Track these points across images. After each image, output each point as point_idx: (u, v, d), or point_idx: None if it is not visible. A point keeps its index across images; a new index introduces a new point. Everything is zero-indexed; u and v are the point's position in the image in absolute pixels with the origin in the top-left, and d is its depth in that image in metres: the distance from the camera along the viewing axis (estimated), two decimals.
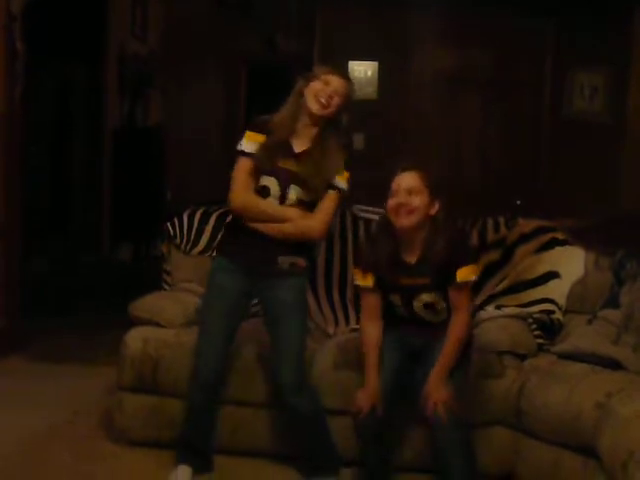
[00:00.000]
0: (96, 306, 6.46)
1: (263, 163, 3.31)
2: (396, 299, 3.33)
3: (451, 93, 5.95)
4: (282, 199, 3.33)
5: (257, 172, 3.34)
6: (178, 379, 3.73)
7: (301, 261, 3.42)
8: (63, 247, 7.49)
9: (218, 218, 4.50)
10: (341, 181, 3.39)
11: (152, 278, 3.78)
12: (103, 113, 8.09)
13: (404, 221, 3.18)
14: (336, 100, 3.31)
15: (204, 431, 3.59)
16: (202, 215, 4.51)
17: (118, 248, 8.19)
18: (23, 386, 4.71)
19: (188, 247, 4.45)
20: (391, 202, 3.20)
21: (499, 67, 5.88)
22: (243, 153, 3.34)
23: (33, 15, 5.30)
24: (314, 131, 3.35)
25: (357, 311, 4.25)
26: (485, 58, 5.90)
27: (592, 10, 5.64)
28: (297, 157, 3.34)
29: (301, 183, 3.31)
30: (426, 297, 3.27)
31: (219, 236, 3.55)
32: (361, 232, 4.41)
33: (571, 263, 4.10)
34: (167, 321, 3.93)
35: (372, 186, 5.48)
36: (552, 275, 4.00)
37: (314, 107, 3.29)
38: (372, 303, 3.38)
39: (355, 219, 4.48)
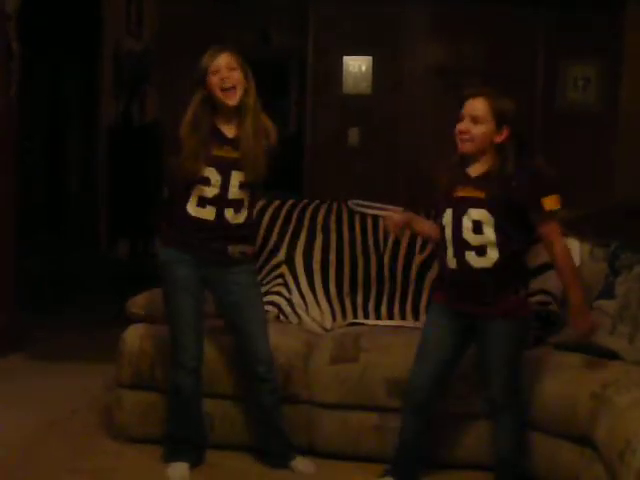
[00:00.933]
0: (93, 303, 6.48)
1: (191, 164, 3.41)
2: (447, 217, 3.27)
3: (445, 86, 5.96)
4: (224, 186, 3.43)
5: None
6: None
7: (249, 248, 3.60)
8: (59, 244, 7.50)
9: None
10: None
11: (149, 275, 3.79)
12: (98, 111, 8.09)
13: (464, 147, 3.24)
14: (235, 75, 3.40)
15: (197, 420, 3.64)
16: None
17: (115, 245, 8.21)
18: (22, 383, 4.73)
19: None
20: (457, 127, 3.26)
21: (491, 60, 5.89)
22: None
23: (28, 13, 5.31)
24: (237, 116, 3.45)
25: (354, 305, 4.27)
26: (477, 51, 5.91)
27: (584, 1, 5.65)
28: (231, 143, 3.44)
29: (242, 167, 3.42)
30: (475, 214, 3.19)
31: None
32: (357, 227, 4.42)
33: None
34: (164, 318, 3.94)
35: (368, 180, 5.54)
36: (548, 267, 4.00)
37: (225, 98, 3.39)
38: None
39: (351, 213, 4.49)
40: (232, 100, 3.40)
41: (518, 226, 3.22)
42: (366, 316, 4.25)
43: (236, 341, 3.65)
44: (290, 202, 4.58)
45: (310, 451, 3.84)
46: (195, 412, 3.62)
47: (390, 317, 4.26)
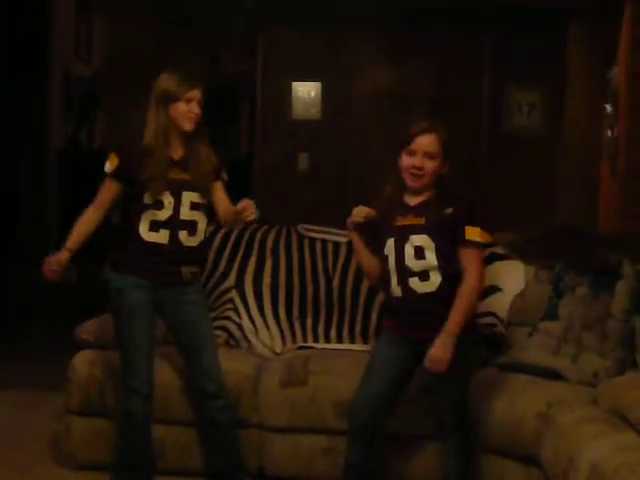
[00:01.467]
0: (43, 330, 6.41)
1: (159, 183, 3.42)
2: (389, 246, 3.31)
3: (393, 110, 6.04)
4: (176, 208, 3.46)
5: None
6: None
7: (198, 270, 3.66)
8: (9, 269, 7.42)
9: None
10: (223, 172, 3.66)
11: (98, 301, 3.79)
12: (48, 134, 8.05)
13: (416, 184, 3.30)
14: (199, 108, 3.48)
15: (147, 447, 3.61)
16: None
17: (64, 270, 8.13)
18: None
19: None
20: (407, 162, 3.29)
21: (438, 84, 5.99)
22: (107, 175, 3.50)
23: None
24: (184, 138, 3.50)
25: (303, 329, 4.29)
26: (424, 75, 6.01)
27: (527, 27, 5.77)
28: (179, 164, 3.49)
29: (193, 188, 3.48)
30: (417, 240, 3.25)
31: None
32: (306, 251, 4.46)
33: (511, 277, 4.18)
34: (114, 344, 3.93)
35: (317, 205, 5.58)
36: (493, 289, 4.08)
37: (187, 126, 3.45)
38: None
39: (300, 238, 4.52)
40: (191, 126, 3.46)
41: (454, 251, 3.28)
42: (316, 339, 4.28)
43: (187, 360, 3.65)
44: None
45: (260, 475, 3.85)
46: (146, 439, 3.60)
47: (339, 340, 4.29)
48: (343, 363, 3.90)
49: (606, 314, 3.68)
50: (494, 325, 4.07)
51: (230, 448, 3.66)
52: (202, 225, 3.56)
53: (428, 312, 3.28)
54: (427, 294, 3.27)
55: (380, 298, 4.32)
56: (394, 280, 3.32)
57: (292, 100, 6.05)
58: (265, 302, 4.34)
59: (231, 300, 4.35)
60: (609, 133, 4.82)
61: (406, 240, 3.28)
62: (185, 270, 3.51)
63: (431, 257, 3.25)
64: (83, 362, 3.89)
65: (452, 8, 5.69)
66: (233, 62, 8.42)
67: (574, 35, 5.67)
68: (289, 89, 6.05)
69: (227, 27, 7.78)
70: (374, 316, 4.31)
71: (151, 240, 3.46)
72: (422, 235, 3.26)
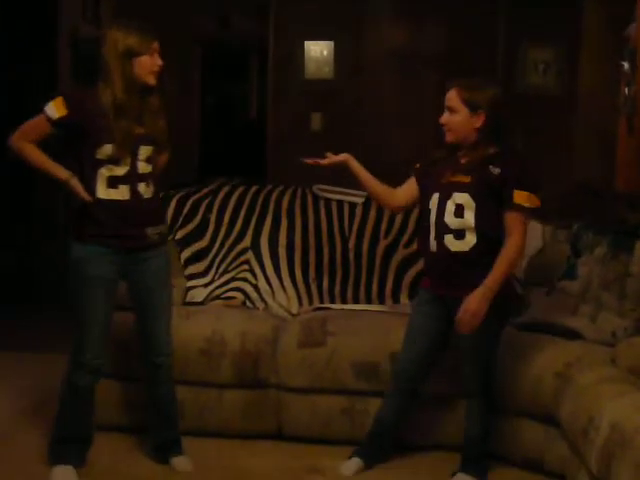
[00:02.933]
0: (59, 295, 6.41)
1: (129, 141, 3.30)
2: (434, 200, 3.34)
3: (406, 69, 5.97)
4: (134, 162, 3.33)
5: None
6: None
7: (165, 228, 3.55)
8: (26, 237, 7.42)
9: (178, 201, 4.51)
10: None
11: None
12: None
13: (447, 137, 3.36)
14: (160, 60, 3.38)
15: (88, 419, 3.53)
16: (163, 199, 4.48)
17: None
18: None
19: None
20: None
21: (452, 42, 5.91)
22: (49, 119, 3.28)
23: None
24: (141, 91, 3.36)
25: (320, 290, 4.29)
26: (438, 35, 5.93)
27: None
28: (135, 119, 3.34)
29: (149, 141, 3.37)
30: (459, 198, 3.27)
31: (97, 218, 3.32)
32: (322, 212, 4.44)
33: (529, 236, 4.13)
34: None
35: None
36: None
37: (151, 80, 3.35)
38: (408, 183, 3.55)
39: (316, 198, 4.51)
40: (155, 80, 3.36)
41: (498, 213, 3.27)
42: (332, 300, 4.28)
43: (139, 327, 3.52)
44: (254, 188, 4.59)
45: (278, 436, 3.87)
46: (88, 411, 3.52)
47: (356, 301, 4.29)
48: (360, 324, 3.90)
49: (625, 273, 3.66)
50: None
51: (169, 419, 3.60)
52: (156, 179, 3.45)
53: (458, 272, 3.30)
54: (460, 253, 3.28)
55: (396, 259, 4.33)
56: (432, 235, 3.35)
57: (304, 59, 5.98)
58: (281, 263, 4.34)
59: (247, 261, 4.35)
60: (626, 91, 4.76)
61: (449, 197, 3.30)
62: (151, 231, 3.38)
63: (469, 216, 3.26)
64: None
65: None
66: (242, 22, 8.33)
67: None
68: (301, 48, 5.98)
69: None
70: (390, 276, 4.31)
71: (109, 197, 3.30)
72: (464, 193, 3.28)
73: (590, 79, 5.63)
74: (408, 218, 4.40)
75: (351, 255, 4.34)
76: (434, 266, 3.39)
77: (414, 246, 4.33)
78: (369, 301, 4.29)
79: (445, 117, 3.35)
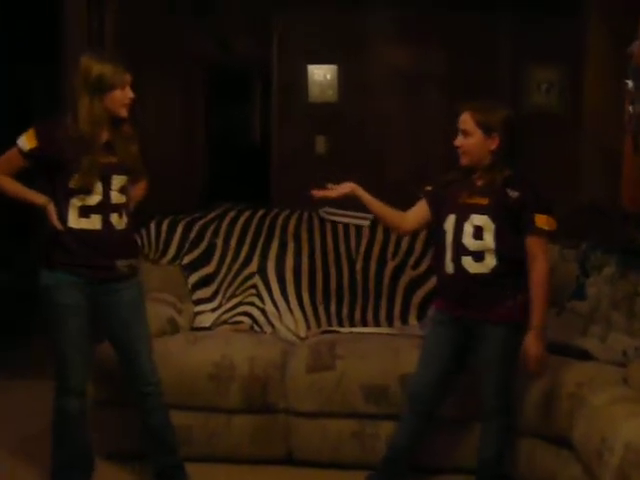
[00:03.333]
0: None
1: (93, 173, 3.28)
2: (450, 222, 3.34)
3: (410, 92, 5.97)
4: (106, 192, 3.31)
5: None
6: None
7: (135, 262, 3.48)
8: (26, 259, 7.42)
9: (185, 227, 4.51)
10: None
11: None
12: None
13: (462, 160, 3.37)
14: (132, 92, 3.36)
15: (84, 445, 3.50)
16: (169, 224, 4.52)
17: None
18: None
19: (157, 256, 4.46)
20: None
21: (456, 64, 5.92)
22: (21, 151, 3.31)
23: None
24: (112, 122, 3.35)
25: (328, 313, 4.28)
26: (442, 56, 5.93)
27: (544, 5, 5.71)
28: (106, 148, 3.33)
29: (123, 171, 3.36)
30: (478, 219, 3.28)
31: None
32: (329, 234, 4.44)
33: None
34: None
35: None
36: None
37: (123, 113, 3.33)
38: (418, 206, 3.54)
39: (322, 222, 4.51)
40: (126, 112, 3.34)
41: (517, 234, 3.28)
42: (340, 323, 4.27)
43: (122, 360, 3.48)
44: (260, 212, 4.60)
45: (288, 460, 3.85)
46: (82, 436, 3.48)
47: (364, 324, 4.28)
48: (369, 346, 3.88)
49: (634, 293, 3.66)
50: None
51: (169, 445, 3.55)
52: (130, 209, 3.44)
53: (477, 293, 3.29)
54: (479, 275, 3.28)
55: (404, 280, 4.31)
56: (448, 256, 3.34)
57: (308, 83, 6.00)
58: (288, 287, 4.33)
59: (254, 285, 4.35)
60: (630, 109, 4.76)
61: (467, 218, 3.31)
62: (120, 264, 3.35)
63: (489, 238, 3.27)
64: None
65: None
66: (245, 46, 8.36)
67: (592, 10, 5.60)
68: (305, 72, 5.99)
69: (240, 11, 7.73)
70: (399, 298, 4.30)
71: (81, 227, 3.29)
72: (483, 215, 3.28)
73: (594, 98, 5.62)
74: (415, 240, 4.39)
75: (359, 277, 4.33)
76: (451, 288, 3.38)
77: (422, 267, 4.32)
78: (377, 323, 4.28)
79: (460, 140, 3.35)
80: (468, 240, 3.29)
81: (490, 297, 3.27)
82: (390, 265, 4.35)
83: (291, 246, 4.41)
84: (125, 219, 3.38)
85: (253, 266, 4.39)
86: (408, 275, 4.33)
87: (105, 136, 3.34)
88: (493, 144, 3.30)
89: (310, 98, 6.00)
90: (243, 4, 7.23)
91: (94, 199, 3.29)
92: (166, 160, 8.34)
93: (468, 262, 3.29)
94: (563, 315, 3.87)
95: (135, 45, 8.37)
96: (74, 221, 3.29)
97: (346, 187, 3.50)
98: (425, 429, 3.51)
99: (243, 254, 4.42)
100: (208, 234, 4.49)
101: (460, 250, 3.31)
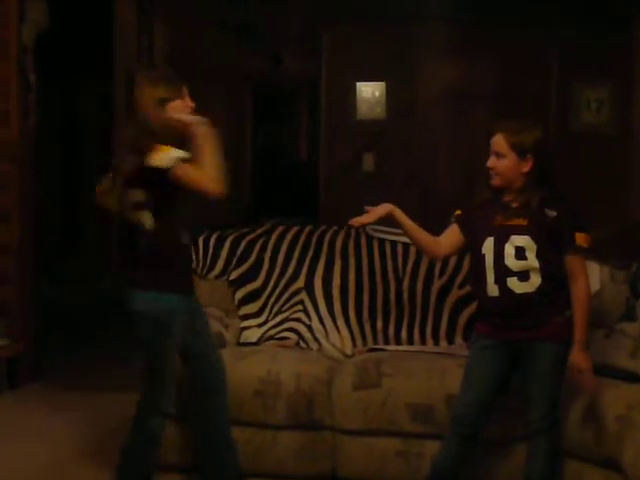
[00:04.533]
0: (112, 334, 6.47)
1: None
2: (488, 245, 3.32)
3: (459, 109, 5.99)
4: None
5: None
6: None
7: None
8: (75, 272, 7.52)
9: (232, 242, 4.53)
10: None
11: None
12: (113, 139, 8.13)
13: (494, 182, 3.36)
14: (191, 101, 3.45)
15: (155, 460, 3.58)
16: (217, 239, 4.54)
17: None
18: (35, 416, 4.73)
19: (204, 271, 4.49)
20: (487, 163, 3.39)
21: (505, 82, 5.91)
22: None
23: (43, 44, 5.36)
24: None
25: (374, 331, 4.27)
26: (491, 74, 5.94)
27: (594, 23, 5.68)
28: None
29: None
30: (519, 240, 3.26)
31: (177, 267, 3.39)
32: (375, 252, 4.43)
33: None
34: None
35: None
36: None
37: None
38: (450, 231, 3.51)
39: (369, 239, 4.50)
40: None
41: (558, 253, 3.28)
42: (386, 341, 4.26)
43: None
44: (308, 228, 4.61)
45: (333, 477, 3.84)
46: (155, 455, 3.55)
47: (410, 342, 4.26)
48: (415, 365, 3.86)
49: None
50: None
51: (232, 447, 3.64)
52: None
53: (525, 313, 3.28)
54: (526, 294, 3.27)
55: (450, 299, 4.29)
56: (490, 279, 3.32)
57: (356, 100, 6.02)
58: (335, 304, 4.33)
59: (301, 302, 4.35)
60: None
61: (507, 240, 3.29)
62: None
63: (532, 258, 3.26)
64: None
65: (518, 4, 5.61)
66: (294, 63, 8.42)
67: None
68: (353, 89, 6.02)
69: (288, 28, 7.80)
70: (445, 317, 4.28)
71: (185, 245, 3.45)
72: (524, 236, 3.27)
73: None
74: (462, 258, 4.36)
75: (405, 295, 4.32)
76: (496, 310, 3.35)
77: (469, 286, 4.29)
78: (423, 342, 4.26)
79: (492, 161, 3.34)
80: (511, 261, 3.27)
81: (538, 316, 3.27)
82: (437, 284, 4.33)
83: (338, 263, 4.41)
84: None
85: (300, 282, 4.40)
86: (455, 294, 4.31)
87: None
88: (527, 166, 3.28)
89: (358, 115, 6.03)
90: (292, 21, 7.30)
91: None
92: None
93: (514, 283, 3.28)
94: (612, 337, 3.81)
95: (184, 61, 8.47)
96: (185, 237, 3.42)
97: (383, 208, 3.47)
98: (468, 452, 3.47)
99: (290, 270, 4.43)
100: (256, 250, 4.51)
101: (503, 272, 3.29)
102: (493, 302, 3.35)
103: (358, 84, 6.02)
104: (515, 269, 3.28)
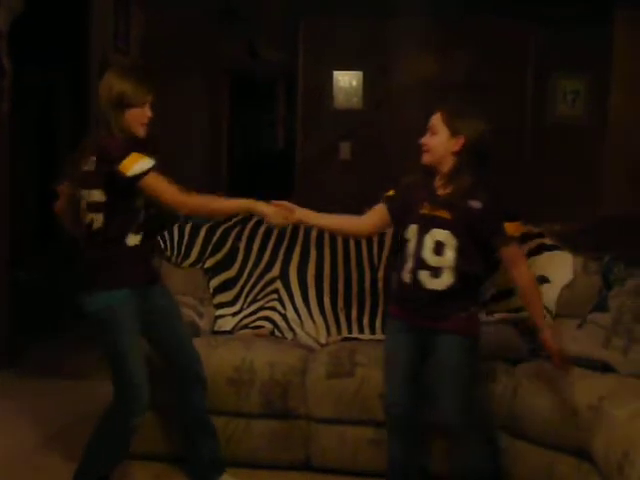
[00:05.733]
0: (88, 321, 6.41)
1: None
2: (412, 232, 3.28)
3: (435, 99, 5.98)
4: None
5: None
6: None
7: None
8: (51, 262, 7.46)
9: (208, 230, 4.52)
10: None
11: None
12: (88, 125, 8.07)
13: (423, 158, 3.32)
14: (151, 111, 3.35)
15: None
16: (192, 227, 4.53)
17: None
18: (11, 401, 4.71)
19: (179, 260, 4.47)
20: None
21: (482, 73, 5.93)
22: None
23: (16, 30, 5.31)
24: None
25: (348, 320, 4.28)
26: (468, 65, 5.95)
27: (572, 15, 5.70)
28: None
29: None
30: (439, 234, 3.22)
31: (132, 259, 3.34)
32: (351, 241, 4.44)
33: (560, 268, 4.14)
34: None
35: (360, 193, 5.54)
36: (541, 280, 4.03)
37: (141, 132, 3.32)
38: (376, 211, 3.49)
39: None
40: (144, 132, 3.33)
41: (479, 250, 3.24)
42: (361, 330, 4.26)
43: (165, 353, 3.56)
44: None
45: (307, 466, 3.85)
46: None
47: (385, 331, 4.27)
48: None
49: None
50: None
51: (210, 434, 3.61)
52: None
53: (430, 306, 3.26)
54: (434, 291, 3.24)
55: None
56: (408, 266, 3.29)
57: (333, 89, 6.02)
58: (310, 292, 4.33)
59: (276, 290, 4.35)
60: None
61: (428, 231, 3.25)
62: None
63: (449, 256, 3.22)
64: None
65: None
66: (271, 52, 8.38)
67: (620, 21, 5.59)
68: (330, 78, 6.02)
69: (266, 17, 7.76)
70: None
71: (132, 243, 3.34)
72: (445, 230, 3.23)
73: (620, 108, 5.62)
74: None
75: (380, 284, 4.33)
76: (406, 296, 3.33)
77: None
78: None
79: (426, 138, 3.30)
80: (428, 254, 3.23)
81: (442, 309, 3.24)
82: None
83: (313, 252, 4.41)
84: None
85: (275, 271, 4.40)
86: None
87: None
88: (457, 145, 3.23)
89: (335, 104, 6.02)
90: (270, 11, 7.27)
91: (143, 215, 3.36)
92: (190, 163, 8.39)
93: (425, 277, 3.24)
94: (585, 327, 3.84)
95: (161, 49, 8.42)
96: (131, 239, 3.34)
97: (287, 218, 3.50)
98: (411, 440, 3.44)
99: (265, 259, 4.42)
100: (231, 238, 4.50)
101: (419, 263, 3.26)
102: (405, 288, 3.32)
103: (335, 73, 6.02)
104: (431, 263, 3.23)
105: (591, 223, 4.29)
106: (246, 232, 4.52)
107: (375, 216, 3.51)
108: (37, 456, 4.01)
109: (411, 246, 3.29)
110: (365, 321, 4.29)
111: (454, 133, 3.24)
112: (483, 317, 4.03)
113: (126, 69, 3.42)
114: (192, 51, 8.38)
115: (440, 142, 3.26)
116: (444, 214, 3.23)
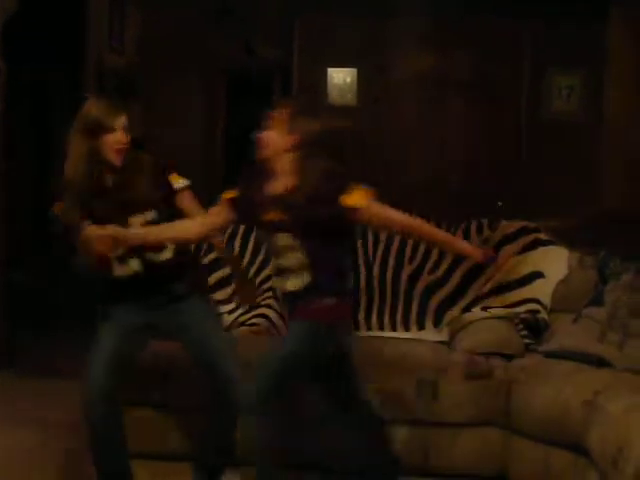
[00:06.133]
0: (84, 321, 6.41)
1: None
2: (260, 236, 3.29)
3: (431, 96, 6.00)
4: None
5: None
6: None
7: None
8: (48, 261, 7.46)
9: None
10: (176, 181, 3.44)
11: None
12: None
13: (259, 154, 3.20)
14: (125, 136, 3.26)
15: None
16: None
17: None
18: (9, 402, 4.70)
19: None
20: None
21: (477, 70, 5.93)
22: None
23: (11, 29, 5.30)
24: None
25: None
26: (462, 60, 5.95)
27: (568, 11, 5.70)
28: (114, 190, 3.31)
29: (139, 208, 3.32)
30: (282, 239, 3.11)
31: None
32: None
33: (555, 263, 4.14)
34: None
35: None
36: (536, 275, 4.04)
37: (116, 160, 3.25)
38: (217, 212, 3.36)
39: None
40: (120, 160, 3.26)
41: (327, 238, 3.10)
42: (356, 327, 4.26)
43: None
44: None
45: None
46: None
47: (381, 328, 4.27)
48: (386, 351, 3.87)
49: None
50: (537, 311, 4.04)
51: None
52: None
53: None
54: (292, 292, 3.15)
55: (421, 284, 4.30)
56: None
57: (328, 86, 6.02)
58: None
59: (271, 288, 4.35)
60: None
61: (273, 237, 3.16)
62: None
63: (297, 256, 3.10)
64: None
65: None
66: (266, 49, 8.39)
67: (615, 17, 5.59)
68: (325, 75, 6.02)
69: (262, 15, 7.77)
70: (415, 302, 4.29)
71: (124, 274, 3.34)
72: (286, 234, 3.11)
73: (615, 103, 5.62)
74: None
75: (375, 282, 4.32)
76: None
77: (439, 272, 4.31)
78: (394, 328, 4.27)
79: (264, 132, 3.17)
80: (283, 260, 3.12)
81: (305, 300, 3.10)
82: (407, 269, 4.34)
83: None
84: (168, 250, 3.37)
85: (270, 268, 4.39)
86: (425, 280, 4.32)
87: (110, 179, 3.29)
88: (290, 141, 3.11)
89: (330, 101, 6.02)
90: (265, 8, 7.27)
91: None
92: (186, 162, 8.37)
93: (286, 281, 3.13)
94: (580, 322, 3.84)
95: (157, 48, 8.42)
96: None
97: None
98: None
99: (261, 257, 4.42)
100: (226, 235, 4.49)
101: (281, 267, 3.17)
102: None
103: (329, 70, 6.02)
104: (290, 267, 3.11)
105: (586, 218, 4.29)
106: (242, 229, 4.51)
107: (217, 218, 3.37)
108: (37, 456, 4.00)
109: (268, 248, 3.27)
110: (361, 318, 4.28)
111: (290, 129, 3.12)
112: (479, 313, 4.05)
113: (99, 96, 3.41)
114: (188, 51, 8.39)
115: (274, 137, 3.14)
116: (282, 216, 3.11)
